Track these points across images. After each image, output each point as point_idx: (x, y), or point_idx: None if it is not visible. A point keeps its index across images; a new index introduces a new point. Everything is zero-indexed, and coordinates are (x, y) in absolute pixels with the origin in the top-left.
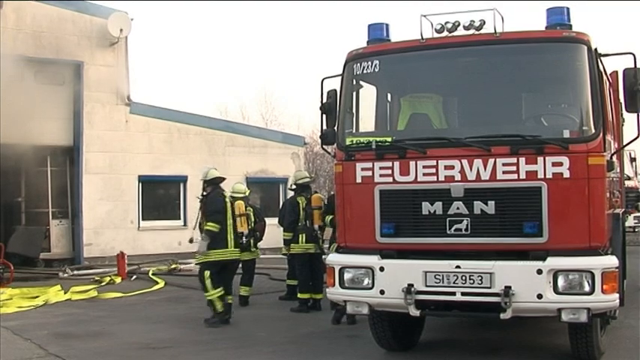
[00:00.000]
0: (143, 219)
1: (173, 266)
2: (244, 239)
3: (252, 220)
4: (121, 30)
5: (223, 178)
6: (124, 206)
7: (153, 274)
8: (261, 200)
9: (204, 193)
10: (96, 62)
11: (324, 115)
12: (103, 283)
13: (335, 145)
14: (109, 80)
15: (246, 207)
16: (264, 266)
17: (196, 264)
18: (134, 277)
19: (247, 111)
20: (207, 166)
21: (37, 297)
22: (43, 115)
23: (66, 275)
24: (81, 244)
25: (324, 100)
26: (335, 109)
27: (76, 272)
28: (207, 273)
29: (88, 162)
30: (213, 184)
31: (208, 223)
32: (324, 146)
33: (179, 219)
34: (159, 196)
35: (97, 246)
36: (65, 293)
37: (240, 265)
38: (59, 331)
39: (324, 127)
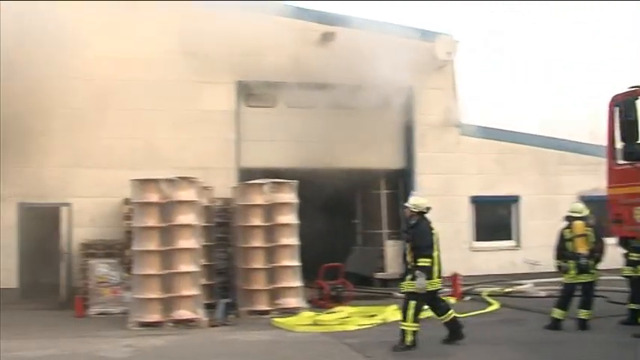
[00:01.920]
0: (476, 239)
1: (508, 289)
2: (584, 260)
3: (592, 240)
4: (448, 53)
5: (429, 208)
6: (456, 227)
7: (487, 295)
8: (598, 219)
9: (412, 222)
10: (426, 86)
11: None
12: None
13: None
14: (439, 103)
15: (585, 227)
16: (602, 288)
17: (402, 292)
18: (468, 297)
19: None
20: (414, 193)
21: (374, 315)
22: (377, 139)
23: (401, 295)
24: None
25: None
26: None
27: None
28: (412, 303)
29: (421, 184)
30: (420, 214)
31: (421, 260)
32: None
33: (511, 239)
34: (491, 217)
35: None
36: None
37: (580, 288)
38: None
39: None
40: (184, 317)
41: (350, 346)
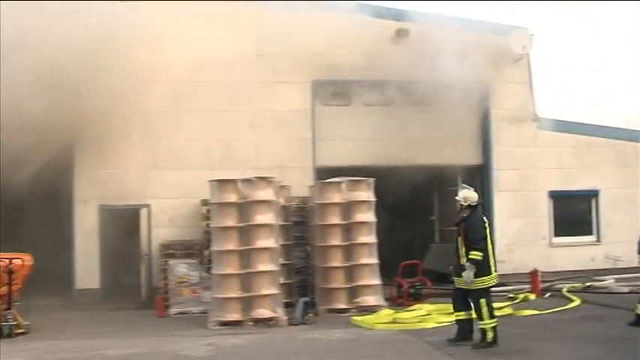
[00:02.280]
0: (555, 235)
1: (588, 284)
2: None
3: None
4: (524, 46)
5: (481, 201)
6: (535, 222)
7: (567, 292)
8: None
9: (464, 215)
10: (501, 80)
11: None
12: (517, 300)
13: None
14: (515, 97)
15: None
16: None
17: (457, 287)
18: (548, 294)
19: None
20: (464, 186)
21: (453, 313)
22: (453, 135)
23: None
24: None
25: None
26: None
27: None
28: (483, 301)
29: (499, 179)
30: (471, 207)
31: (473, 252)
32: None
33: (591, 234)
34: (569, 212)
35: (509, 263)
36: None
37: None
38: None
39: None
40: (264, 316)
41: (430, 344)
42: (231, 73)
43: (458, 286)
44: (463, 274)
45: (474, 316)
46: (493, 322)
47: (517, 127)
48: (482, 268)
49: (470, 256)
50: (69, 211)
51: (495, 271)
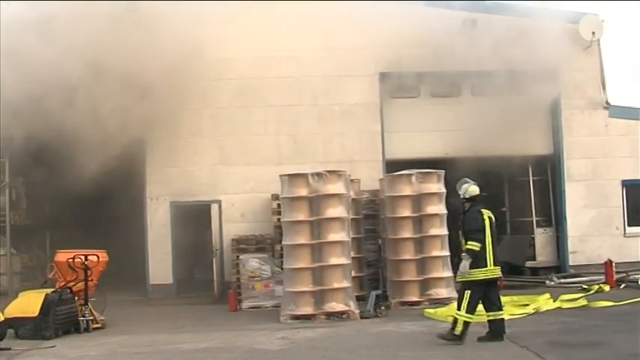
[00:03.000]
0: (629, 225)
1: None
2: None
3: None
4: (593, 33)
5: (483, 195)
6: (608, 212)
7: None
8: None
9: (465, 209)
10: (571, 68)
11: None
12: (591, 292)
13: None
14: (585, 85)
15: None
16: None
17: (458, 281)
18: (623, 285)
19: None
20: (466, 180)
21: (527, 305)
22: (523, 125)
23: (552, 283)
24: (566, 252)
25: None
26: None
27: (562, 280)
28: (468, 292)
29: (570, 169)
30: (472, 201)
31: (469, 242)
32: None
33: None
34: None
35: (582, 253)
36: (555, 301)
37: None
38: (554, 339)
39: None
40: (336, 309)
41: (505, 336)
42: (300, 68)
43: (459, 281)
44: (460, 266)
45: (503, 314)
46: (467, 318)
47: (588, 115)
48: (478, 260)
49: (466, 246)
50: (141, 209)
51: (492, 265)
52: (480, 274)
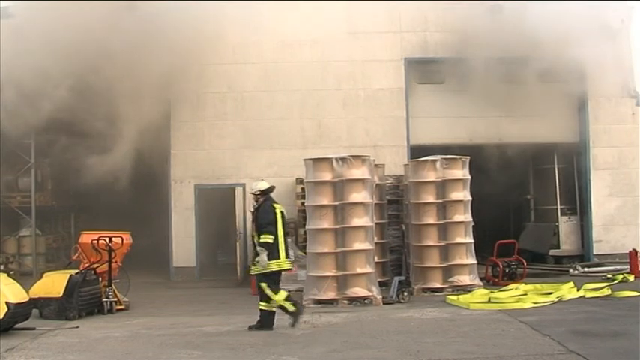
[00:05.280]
0: None
1: None
2: None
3: None
4: (622, 20)
5: (273, 188)
6: (633, 202)
7: None
8: None
9: (256, 205)
10: (598, 55)
11: None
12: (615, 281)
13: None
14: (613, 73)
15: None
16: None
17: (252, 274)
18: None
19: None
20: (260, 179)
21: (550, 293)
22: (548, 113)
23: (576, 272)
24: (590, 241)
25: None
26: None
27: (586, 269)
28: (264, 285)
29: (596, 158)
30: (264, 195)
31: (262, 235)
32: None
33: None
34: None
35: (606, 242)
36: (578, 290)
37: None
38: (577, 328)
39: None
40: (358, 294)
41: (527, 324)
42: (325, 52)
43: (254, 273)
44: (257, 258)
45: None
46: (283, 295)
47: (615, 104)
48: (272, 252)
49: (260, 239)
50: (166, 192)
51: (286, 257)
52: (274, 265)
